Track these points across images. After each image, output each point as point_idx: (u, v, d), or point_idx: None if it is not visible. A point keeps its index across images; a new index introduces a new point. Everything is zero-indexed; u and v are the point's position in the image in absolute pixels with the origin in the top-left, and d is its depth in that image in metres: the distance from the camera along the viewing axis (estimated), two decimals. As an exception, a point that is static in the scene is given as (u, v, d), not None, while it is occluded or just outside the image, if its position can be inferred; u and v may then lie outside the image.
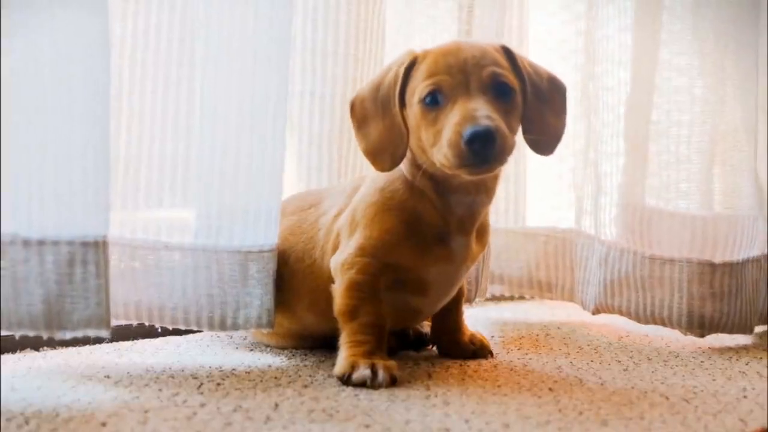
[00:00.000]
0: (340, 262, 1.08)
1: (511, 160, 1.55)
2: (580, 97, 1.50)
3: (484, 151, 0.96)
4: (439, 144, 0.99)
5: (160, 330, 1.22)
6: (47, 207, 0.96)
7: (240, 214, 1.12)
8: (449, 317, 1.20)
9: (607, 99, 1.41)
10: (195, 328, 1.14)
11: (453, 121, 0.98)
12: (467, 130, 0.95)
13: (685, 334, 1.35)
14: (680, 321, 1.34)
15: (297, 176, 1.34)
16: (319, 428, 0.85)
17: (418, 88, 1.02)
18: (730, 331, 1.35)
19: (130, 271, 1.11)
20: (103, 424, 0.84)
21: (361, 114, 1.09)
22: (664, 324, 1.36)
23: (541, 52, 1.56)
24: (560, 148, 1.52)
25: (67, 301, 0.96)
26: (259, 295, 1.12)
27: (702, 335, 1.34)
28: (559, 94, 1.11)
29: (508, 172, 1.54)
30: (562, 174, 1.57)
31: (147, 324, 1.13)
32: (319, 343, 1.20)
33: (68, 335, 0.97)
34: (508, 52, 1.07)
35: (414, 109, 1.03)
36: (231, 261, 1.11)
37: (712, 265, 1.34)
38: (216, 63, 1.10)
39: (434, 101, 1.01)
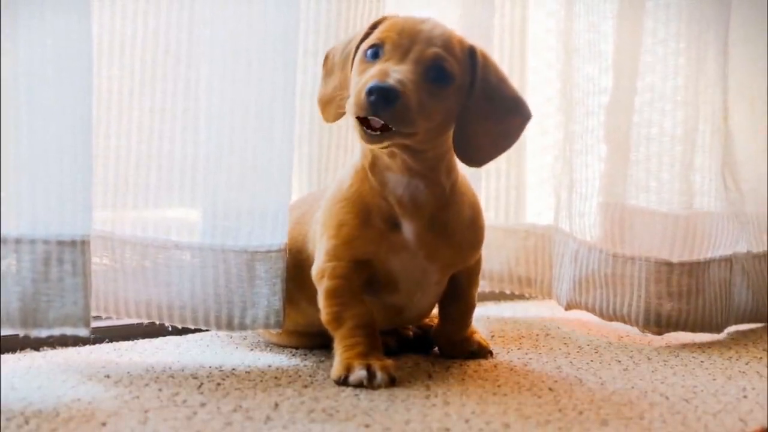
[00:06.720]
0: (315, 271, 1.09)
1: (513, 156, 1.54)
2: (560, 103, 1.50)
3: (377, 107, 0.95)
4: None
5: (159, 329, 1.22)
6: (24, 206, 0.96)
7: (246, 214, 1.12)
8: (454, 320, 1.18)
9: (585, 100, 1.41)
10: (203, 328, 1.14)
11: (369, 74, 0.99)
12: (371, 82, 0.96)
13: (643, 332, 1.36)
14: (638, 318, 1.35)
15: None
16: (319, 428, 0.85)
17: (367, 40, 1.04)
18: (692, 330, 1.36)
19: (141, 269, 1.11)
20: (104, 424, 0.84)
21: (330, 65, 1.12)
22: (624, 321, 1.37)
23: (539, 51, 1.56)
24: (551, 148, 1.53)
25: (42, 299, 0.96)
26: (266, 295, 1.12)
27: (659, 333, 1.35)
28: (516, 118, 1.07)
29: (499, 169, 1.54)
30: (556, 170, 1.57)
31: (157, 322, 1.13)
32: (323, 342, 1.19)
33: (44, 333, 0.96)
34: (472, 52, 1.05)
35: (356, 59, 1.05)
36: (237, 261, 1.12)
37: (670, 264, 1.35)
38: (223, 63, 1.11)
39: (374, 55, 1.02)
